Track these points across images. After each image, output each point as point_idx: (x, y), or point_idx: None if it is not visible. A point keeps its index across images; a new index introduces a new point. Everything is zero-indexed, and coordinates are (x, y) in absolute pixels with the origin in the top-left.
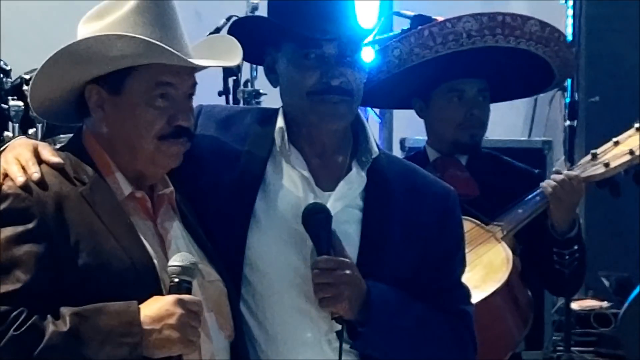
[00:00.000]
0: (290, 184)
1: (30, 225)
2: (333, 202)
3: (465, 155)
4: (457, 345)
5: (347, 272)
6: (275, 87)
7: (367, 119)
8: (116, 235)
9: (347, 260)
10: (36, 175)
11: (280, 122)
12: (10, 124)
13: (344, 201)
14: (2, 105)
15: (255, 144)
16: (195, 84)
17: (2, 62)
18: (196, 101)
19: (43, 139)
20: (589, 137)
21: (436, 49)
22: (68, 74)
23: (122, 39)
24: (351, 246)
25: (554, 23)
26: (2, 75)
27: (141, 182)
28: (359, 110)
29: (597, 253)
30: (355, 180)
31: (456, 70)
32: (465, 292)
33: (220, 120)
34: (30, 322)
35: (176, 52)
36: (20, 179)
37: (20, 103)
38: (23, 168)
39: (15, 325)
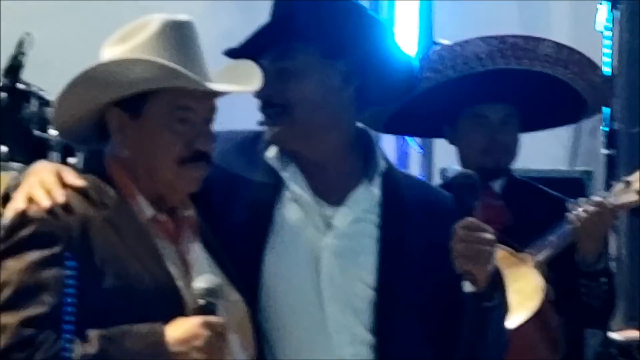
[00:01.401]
0: (292, 203)
1: (56, 250)
2: (342, 215)
3: (498, 182)
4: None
5: (493, 237)
6: None
7: (407, 150)
8: (140, 258)
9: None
10: (61, 199)
11: (273, 150)
12: (50, 153)
13: (354, 215)
14: (43, 134)
15: (264, 169)
16: (214, 108)
17: (42, 92)
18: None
19: None
20: (630, 168)
21: (446, 73)
22: (88, 97)
23: (140, 62)
24: (368, 261)
25: (596, 51)
26: (42, 105)
27: (162, 204)
28: (367, 129)
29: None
30: (364, 194)
31: (479, 95)
32: None
33: (236, 145)
34: (57, 345)
35: (193, 76)
36: (45, 203)
37: None
38: (48, 192)
39: (42, 349)
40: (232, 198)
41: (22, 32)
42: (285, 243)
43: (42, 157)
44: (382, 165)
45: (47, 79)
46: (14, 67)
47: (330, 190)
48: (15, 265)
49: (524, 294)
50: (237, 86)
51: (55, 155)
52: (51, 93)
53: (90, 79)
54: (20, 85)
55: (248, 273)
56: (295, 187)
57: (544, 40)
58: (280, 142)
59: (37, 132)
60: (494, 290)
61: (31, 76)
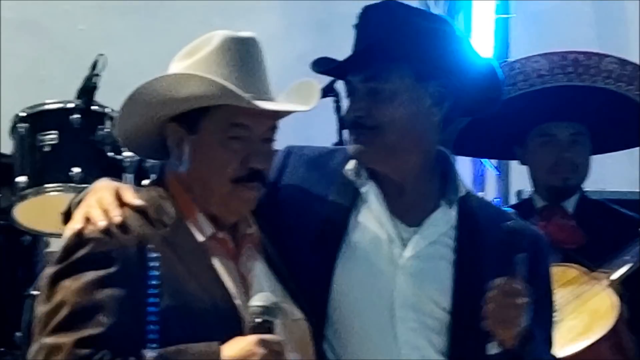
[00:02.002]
0: (369, 221)
1: (111, 270)
2: (418, 238)
3: (570, 202)
4: None
5: (525, 302)
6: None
7: (483, 172)
8: (197, 277)
9: (525, 289)
10: (117, 219)
11: (351, 164)
12: (124, 175)
13: (431, 237)
14: (117, 156)
15: (341, 184)
16: (274, 127)
17: (116, 113)
18: None
19: None
20: None
21: (507, 90)
22: (144, 112)
23: (192, 78)
24: (442, 283)
25: None
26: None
27: (221, 222)
28: (447, 152)
29: None
30: (442, 218)
31: (547, 114)
32: (550, 344)
33: (309, 160)
34: None
35: (243, 95)
36: (101, 223)
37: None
38: (105, 211)
39: None
40: (305, 212)
41: (97, 53)
42: (359, 260)
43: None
44: (462, 190)
45: (122, 101)
46: (88, 89)
47: (408, 211)
48: (71, 286)
49: (598, 314)
50: (292, 105)
51: (128, 177)
52: None
53: (145, 94)
54: (94, 107)
55: (318, 288)
56: (375, 204)
57: (606, 56)
58: (366, 161)
59: (110, 154)
60: (524, 348)
61: (106, 98)
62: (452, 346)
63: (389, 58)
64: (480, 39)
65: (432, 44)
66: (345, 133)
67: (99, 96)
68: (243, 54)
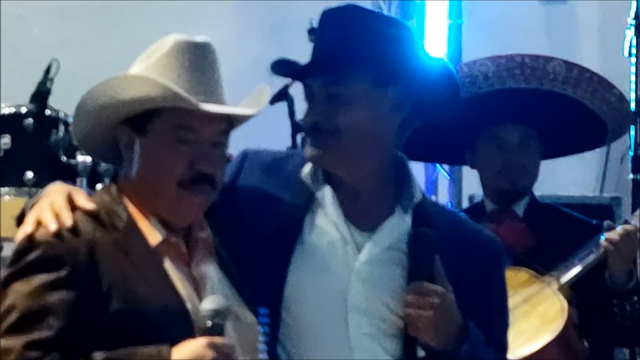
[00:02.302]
0: (324, 225)
1: (62, 273)
2: (372, 243)
3: (520, 205)
4: None
5: (437, 300)
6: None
7: (436, 176)
8: (148, 280)
9: (440, 289)
10: (68, 223)
11: (307, 168)
12: (78, 179)
13: (385, 243)
14: (70, 160)
15: (296, 192)
16: (226, 132)
17: (70, 118)
18: None
19: None
20: None
21: None
22: (97, 114)
23: (138, 80)
24: (396, 289)
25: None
26: (69, 131)
27: (172, 226)
28: (403, 157)
29: None
30: (397, 224)
31: (495, 117)
32: (505, 348)
33: (265, 164)
34: None
35: (189, 98)
36: (52, 226)
37: (89, 158)
38: (57, 215)
39: None
40: (260, 214)
41: (51, 58)
42: (313, 264)
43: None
44: (417, 196)
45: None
46: (42, 93)
47: (363, 216)
48: (22, 289)
49: (547, 317)
50: (238, 109)
51: (82, 180)
52: None
53: (96, 97)
54: (47, 112)
55: (271, 290)
56: (330, 208)
57: (552, 58)
58: (324, 164)
59: (64, 158)
60: (458, 349)
61: (60, 102)
62: (405, 351)
63: (349, 63)
64: (433, 44)
65: (392, 49)
66: (300, 137)
67: (53, 101)
68: (194, 58)
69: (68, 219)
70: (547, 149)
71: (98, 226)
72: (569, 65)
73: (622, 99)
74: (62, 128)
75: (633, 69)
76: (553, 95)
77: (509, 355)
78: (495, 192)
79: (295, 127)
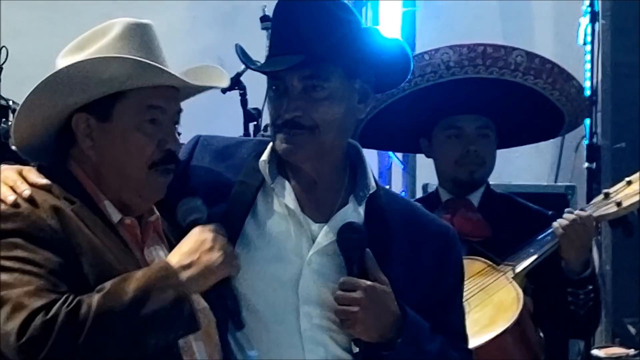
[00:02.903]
0: (278, 215)
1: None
2: (324, 234)
3: (475, 195)
4: None
5: (363, 295)
6: None
7: (390, 165)
8: (112, 250)
9: (365, 283)
10: (27, 193)
11: (265, 155)
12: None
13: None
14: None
15: (249, 175)
16: (180, 111)
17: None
18: None
19: None
20: (614, 182)
21: (415, 81)
22: (53, 103)
23: (115, 60)
24: None
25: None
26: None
27: (129, 211)
28: (358, 145)
29: (623, 300)
30: (350, 214)
31: (453, 106)
32: (465, 336)
33: (217, 150)
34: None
35: (171, 72)
36: (10, 197)
37: None
38: (12, 188)
39: (67, 304)
40: (211, 198)
41: None
42: (267, 254)
43: None
44: (372, 185)
45: (25, 94)
46: None
47: (317, 207)
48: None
49: (502, 306)
50: (210, 82)
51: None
52: None
53: (59, 84)
54: None
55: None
56: (287, 198)
57: (514, 49)
58: (298, 160)
59: (14, 147)
60: (395, 340)
61: (8, 91)
62: (356, 343)
63: (331, 57)
64: (387, 31)
65: (358, 39)
66: (252, 126)
67: (1, 89)
68: (147, 39)
69: (26, 189)
70: (503, 138)
71: (54, 199)
72: (531, 56)
73: (581, 91)
74: (11, 117)
75: (588, 57)
76: (513, 85)
77: None
78: (452, 182)
79: (248, 116)
